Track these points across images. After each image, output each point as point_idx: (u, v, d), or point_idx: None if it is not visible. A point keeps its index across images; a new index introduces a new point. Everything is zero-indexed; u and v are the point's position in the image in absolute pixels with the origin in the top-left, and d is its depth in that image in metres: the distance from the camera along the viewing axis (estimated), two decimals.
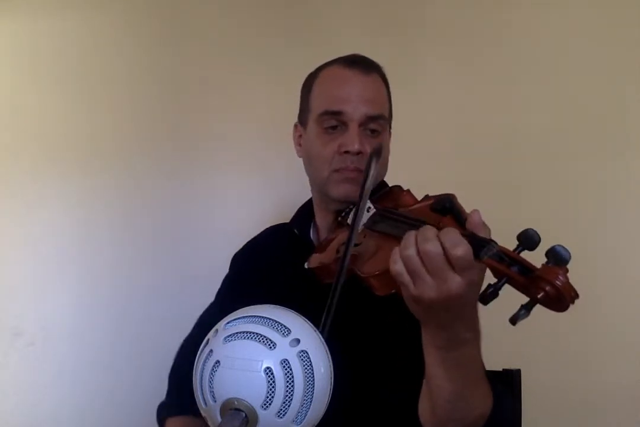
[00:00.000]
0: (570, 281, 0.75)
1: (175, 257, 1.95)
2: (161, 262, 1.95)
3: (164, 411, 1.29)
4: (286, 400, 0.79)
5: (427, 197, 1.04)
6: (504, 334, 1.73)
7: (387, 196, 1.10)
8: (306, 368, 0.81)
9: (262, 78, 1.93)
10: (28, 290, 1.96)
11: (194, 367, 0.86)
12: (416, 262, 0.80)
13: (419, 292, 0.82)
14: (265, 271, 1.30)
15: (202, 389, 0.83)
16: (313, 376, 0.81)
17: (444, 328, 0.86)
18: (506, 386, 1.31)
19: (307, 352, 0.82)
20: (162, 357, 1.80)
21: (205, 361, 0.83)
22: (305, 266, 1.09)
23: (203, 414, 0.86)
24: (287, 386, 0.79)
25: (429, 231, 0.81)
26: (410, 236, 0.82)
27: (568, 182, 1.82)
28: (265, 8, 1.97)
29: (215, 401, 0.81)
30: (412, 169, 1.85)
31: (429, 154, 1.87)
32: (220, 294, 1.40)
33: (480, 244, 0.78)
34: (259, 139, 1.94)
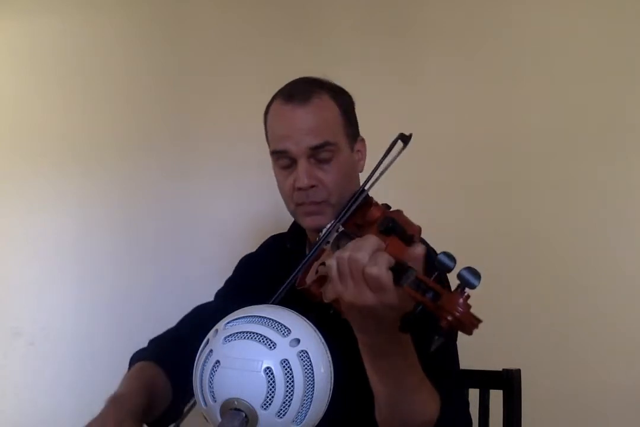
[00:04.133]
0: (474, 309, 0.78)
1: (175, 257, 1.95)
2: (161, 262, 1.95)
3: (137, 356, 1.31)
4: (286, 400, 0.79)
5: (385, 208, 1.09)
6: (504, 334, 1.75)
7: (358, 213, 1.12)
8: (306, 368, 0.81)
9: (261, 78, 1.93)
10: (28, 290, 1.96)
11: (194, 367, 0.86)
12: (344, 265, 0.87)
13: (340, 292, 0.89)
14: (267, 280, 1.31)
15: (202, 389, 0.83)
16: (313, 376, 0.81)
17: (367, 334, 0.92)
18: (500, 382, 1.32)
19: (307, 352, 0.82)
20: None
21: (205, 361, 0.83)
22: (297, 285, 1.11)
23: (203, 414, 0.86)
24: (287, 386, 0.79)
25: (367, 243, 0.87)
26: (353, 242, 0.90)
27: (568, 182, 1.81)
28: (265, 8, 1.97)
29: (215, 401, 0.81)
30: (412, 169, 1.85)
31: (429, 154, 1.86)
32: (220, 295, 1.40)
33: (402, 271, 0.83)
34: (256, 140, 1.93)
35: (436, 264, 0.82)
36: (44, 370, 1.93)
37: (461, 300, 0.78)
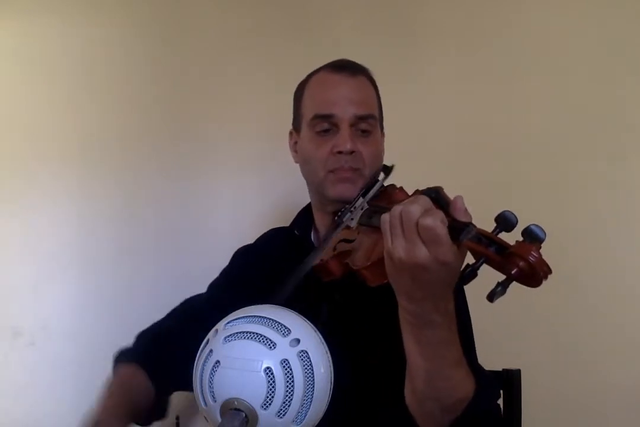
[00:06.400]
0: (545, 257, 0.79)
1: (175, 257, 1.95)
2: (161, 262, 1.95)
3: (123, 355, 1.30)
4: (286, 400, 0.79)
5: (417, 191, 1.07)
6: (504, 334, 1.75)
7: (381, 195, 1.12)
8: (306, 368, 0.81)
9: (261, 78, 1.93)
10: (28, 290, 1.96)
11: (194, 367, 0.86)
12: (397, 218, 0.85)
13: (392, 248, 0.86)
14: (266, 271, 1.30)
15: (202, 389, 0.83)
16: (313, 376, 0.81)
17: (412, 299, 0.88)
18: (500, 382, 1.31)
19: (307, 352, 0.82)
20: None
21: (205, 361, 0.84)
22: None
23: (203, 414, 0.86)
24: (287, 386, 0.79)
25: (421, 199, 0.86)
26: (407, 200, 0.88)
27: (567, 182, 1.81)
28: (264, 8, 1.97)
29: (215, 401, 0.81)
30: (411, 169, 1.85)
31: (428, 153, 1.86)
32: (213, 285, 1.40)
33: (460, 227, 0.81)
34: (257, 140, 1.94)
35: (499, 221, 0.82)
36: (44, 370, 1.93)
37: (534, 247, 0.78)
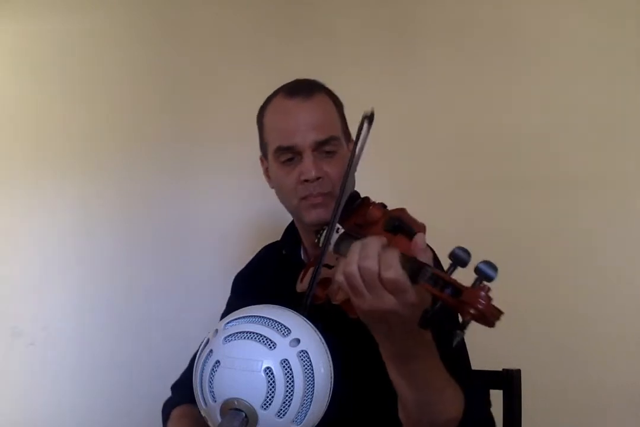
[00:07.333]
0: (496, 300, 0.80)
1: (174, 257, 1.95)
2: (161, 263, 1.95)
3: (169, 405, 1.31)
4: (286, 400, 0.79)
5: (386, 210, 1.07)
6: (504, 334, 1.74)
7: (358, 211, 1.12)
8: (306, 368, 0.81)
9: (260, 79, 1.92)
10: (28, 290, 1.96)
11: (194, 367, 0.86)
12: (355, 276, 0.87)
13: (358, 303, 0.89)
14: (263, 292, 1.31)
15: (202, 389, 0.83)
16: (313, 376, 0.81)
17: (391, 340, 0.92)
18: (500, 382, 1.32)
19: (307, 352, 0.82)
20: (161, 357, 1.80)
21: (205, 361, 0.84)
22: (297, 289, 1.12)
23: (203, 414, 0.86)
24: (287, 386, 0.79)
25: (371, 248, 0.87)
26: (354, 251, 0.89)
27: (567, 181, 1.81)
28: (262, 7, 1.97)
29: (215, 401, 0.81)
30: (410, 168, 1.85)
31: (428, 152, 1.86)
32: (223, 316, 1.40)
33: (417, 269, 0.84)
34: (254, 140, 1.94)
35: (452, 259, 0.82)
36: (44, 370, 1.93)
37: (483, 293, 0.79)
